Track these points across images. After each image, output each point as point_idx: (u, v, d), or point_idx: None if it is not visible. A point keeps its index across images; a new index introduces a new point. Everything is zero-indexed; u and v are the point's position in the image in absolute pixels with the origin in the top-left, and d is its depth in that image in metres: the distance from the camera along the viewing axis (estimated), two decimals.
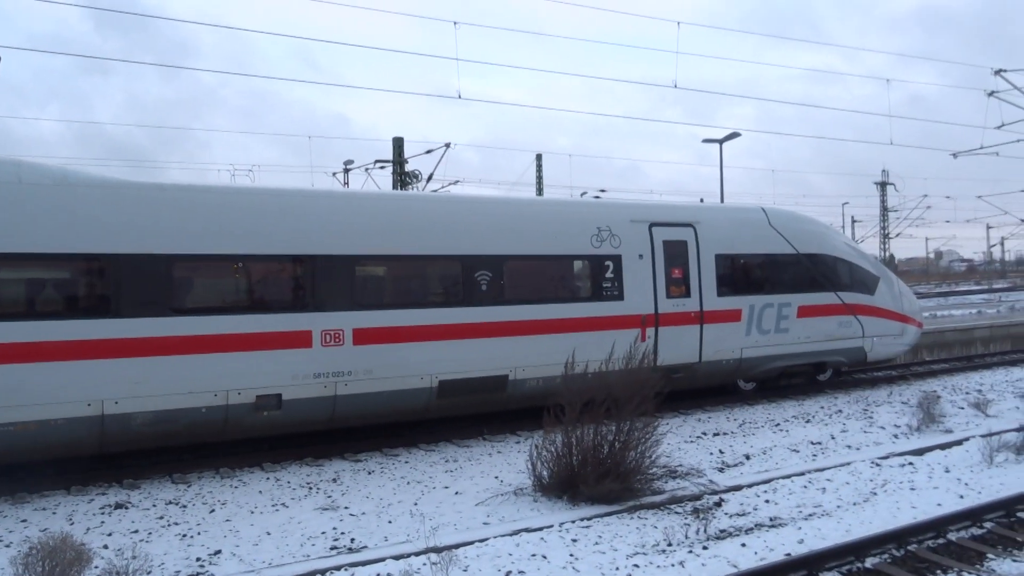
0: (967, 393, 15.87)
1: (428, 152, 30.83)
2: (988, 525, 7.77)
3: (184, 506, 9.05)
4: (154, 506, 9.06)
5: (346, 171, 37.17)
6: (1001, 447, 10.58)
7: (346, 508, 8.85)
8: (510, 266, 12.55)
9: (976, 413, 13.49)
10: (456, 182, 32.94)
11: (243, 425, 10.55)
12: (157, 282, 9.92)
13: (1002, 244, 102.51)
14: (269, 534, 8.02)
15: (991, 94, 20.52)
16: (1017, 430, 11.34)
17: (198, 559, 7.34)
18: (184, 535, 8.02)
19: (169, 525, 8.36)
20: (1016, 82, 20.87)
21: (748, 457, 10.92)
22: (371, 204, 11.88)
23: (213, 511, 8.85)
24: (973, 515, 7.81)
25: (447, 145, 29.35)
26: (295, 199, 11.23)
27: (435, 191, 30.41)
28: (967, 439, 11.19)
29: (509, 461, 10.88)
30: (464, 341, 11.93)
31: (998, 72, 20.30)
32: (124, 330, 9.68)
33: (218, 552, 7.51)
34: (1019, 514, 8.09)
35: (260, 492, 9.60)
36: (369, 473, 10.47)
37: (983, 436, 10.97)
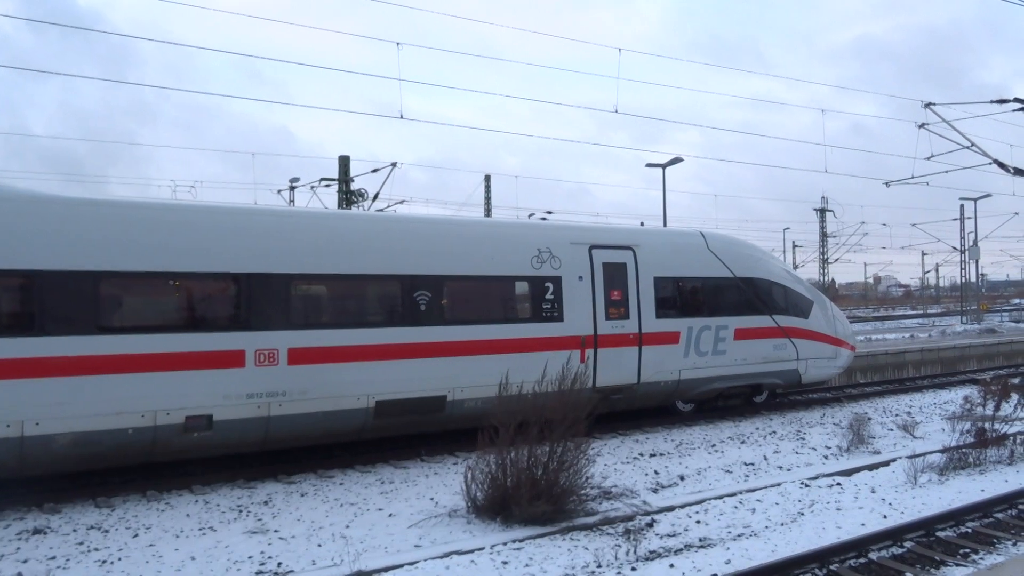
0: (897, 415, 16.29)
1: (375, 171, 30.72)
2: (908, 545, 7.96)
3: (106, 531, 8.77)
4: (74, 531, 8.77)
5: (291, 189, 36.80)
6: (925, 468, 10.88)
7: (276, 531, 8.68)
8: (450, 286, 12.53)
9: (904, 435, 13.85)
10: (403, 201, 32.85)
11: (172, 447, 10.29)
12: (83, 299, 9.66)
13: (936, 271, 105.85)
14: (194, 559, 7.82)
15: (921, 126, 21.23)
16: (941, 451, 11.68)
17: None
18: (104, 561, 7.77)
19: (89, 551, 8.09)
20: (945, 115, 21.72)
21: (683, 478, 11.02)
22: (308, 222, 11.77)
23: (137, 536, 8.60)
24: (894, 535, 7.99)
25: (393, 164, 29.27)
26: (229, 216, 11.06)
27: (381, 211, 30.27)
28: (894, 460, 11.47)
29: (446, 482, 10.80)
30: (402, 361, 11.84)
31: (928, 105, 21.04)
32: (47, 348, 9.39)
33: None
34: (938, 534, 8.30)
35: (188, 515, 9.36)
36: (302, 495, 10.29)
37: (909, 457, 11.25)
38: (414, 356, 11.94)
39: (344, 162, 31.81)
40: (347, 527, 8.83)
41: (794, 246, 73.65)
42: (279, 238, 11.21)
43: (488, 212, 46.41)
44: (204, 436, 10.37)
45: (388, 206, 32.83)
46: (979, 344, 30.05)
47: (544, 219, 32.50)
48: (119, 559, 7.83)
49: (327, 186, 32.09)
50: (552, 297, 13.42)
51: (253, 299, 10.80)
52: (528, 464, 8.94)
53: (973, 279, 55.37)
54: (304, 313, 11.34)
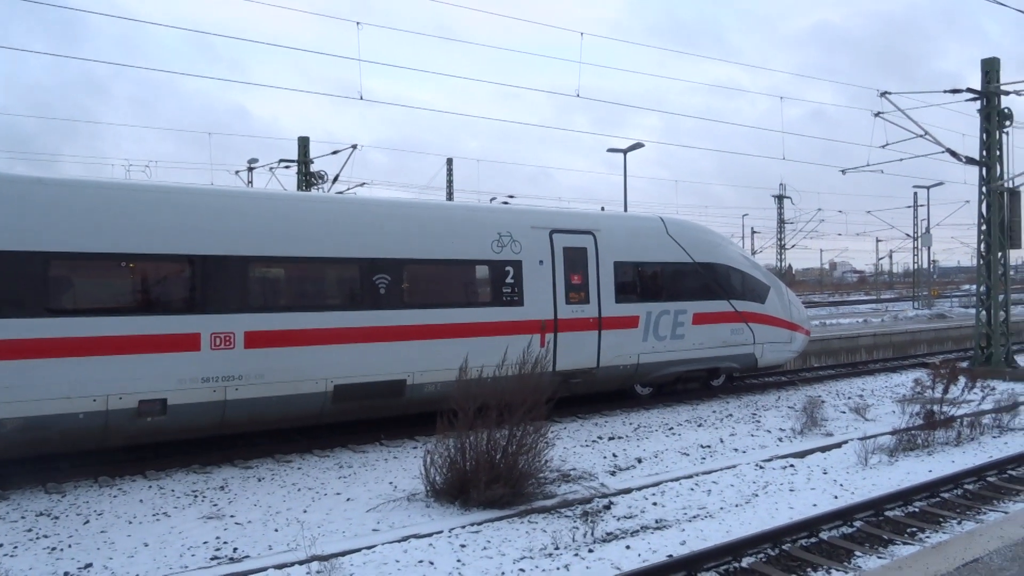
0: (849, 398, 16.64)
1: (335, 153, 30.34)
2: (858, 524, 8.14)
3: (56, 517, 8.60)
4: (23, 518, 8.59)
5: (250, 170, 36.22)
6: (876, 449, 11.13)
7: (232, 517, 8.59)
8: (410, 270, 12.46)
9: (856, 417, 14.14)
10: (363, 184, 32.51)
11: (125, 432, 10.12)
12: (31, 281, 9.42)
13: (890, 257, 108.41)
14: (147, 545, 7.71)
15: (877, 115, 21.51)
16: (891, 434, 11.96)
17: (66, 573, 6.98)
18: (53, 548, 7.62)
19: (38, 538, 7.93)
20: (900, 104, 22.04)
21: (640, 460, 11.13)
22: (266, 204, 11.60)
23: (88, 522, 8.44)
24: (845, 515, 8.16)
25: (354, 147, 28.93)
26: (185, 197, 10.86)
27: (341, 193, 29.98)
28: (845, 442, 11.72)
29: (405, 467, 10.78)
30: (361, 345, 11.77)
31: (883, 94, 21.33)
32: None
33: (88, 566, 7.16)
34: (887, 513, 8.50)
35: (141, 501, 9.22)
36: (259, 480, 10.19)
37: (860, 439, 11.50)
38: (373, 340, 11.87)
39: (303, 143, 31.39)
40: (304, 512, 8.77)
41: (752, 232, 74.66)
42: (236, 220, 11.03)
43: (450, 196, 46.19)
44: (158, 421, 10.21)
45: (348, 188, 32.52)
46: (930, 329, 30.76)
47: (505, 203, 32.46)
48: (69, 546, 7.68)
49: (286, 167, 31.66)
50: (512, 281, 13.42)
51: (209, 282, 10.63)
52: (487, 448, 8.95)
53: (925, 266, 56.65)
54: (261, 296, 11.20)
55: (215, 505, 9.05)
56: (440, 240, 12.83)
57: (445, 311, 12.64)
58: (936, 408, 12.30)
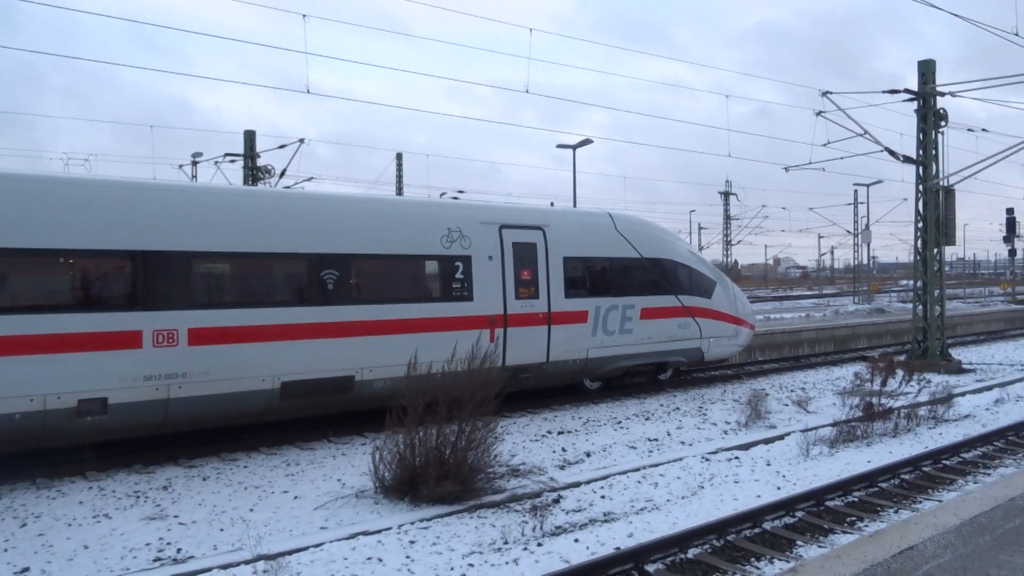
0: (792, 391, 16.99)
1: (281, 147, 29.96)
2: (800, 514, 8.32)
3: None
4: None
5: (194, 164, 35.51)
6: (817, 441, 11.39)
7: (175, 517, 8.43)
8: (359, 265, 12.37)
9: (799, 410, 14.45)
10: (311, 179, 32.11)
11: (64, 432, 9.85)
12: None
13: (832, 253, 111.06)
14: (87, 548, 7.52)
15: (819, 114, 21.97)
16: (832, 425, 12.25)
17: None
18: None
19: None
20: (841, 103, 22.53)
21: (589, 454, 11.22)
22: (210, 199, 11.38)
23: (25, 525, 8.20)
24: (787, 505, 8.35)
25: (301, 141, 28.59)
26: (126, 191, 10.59)
27: (288, 188, 29.56)
28: (788, 434, 11.97)
29: (353, 463, 10.70)
30: (309, 341, 11.64)
31: (825, 94, 21.79)
32: None
33: (26, 570, 6.96)
34: (827, 503, 8.71)
35: (81, 503, 8.99)
36: (204, 479, 10.02)
37: (802, 431, 11.75)
38: (321, 336, 11.75)
39: (249, 137, 30.90)
40: (251, 511, 8.64)
41: (700, 228, 75.78)
42: (179, 214, 10.80)
43: (400, 191, 45.91)
44: (98, 420, 9.96)
45: (296, 183, 32.07)
46: (869, 323, 31.58)
47: (455, 198, 32.42)
48: (4, 550, 7.45)
49: (232, 162, 31.13)
50: (462, 276, 13.41)
51: (151, 278, 10.39)
52: (436, 443, 8.94)
53: (865, 261, 58.05)
54: (206, 292, 11.00)
55: (158, 505, 8.87)
56: (389, 235, 12.75)
57: (394, 306, 12.57)
58: (875, 400, 12.63)
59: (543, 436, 12.50)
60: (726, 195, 59.03)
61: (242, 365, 10.98)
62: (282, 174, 29.89)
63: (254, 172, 30.31)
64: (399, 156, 46.96)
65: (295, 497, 9.14)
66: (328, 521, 8.23)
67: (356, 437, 12.47)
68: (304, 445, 11.93)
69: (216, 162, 31.52)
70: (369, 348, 12.18)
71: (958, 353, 23.48)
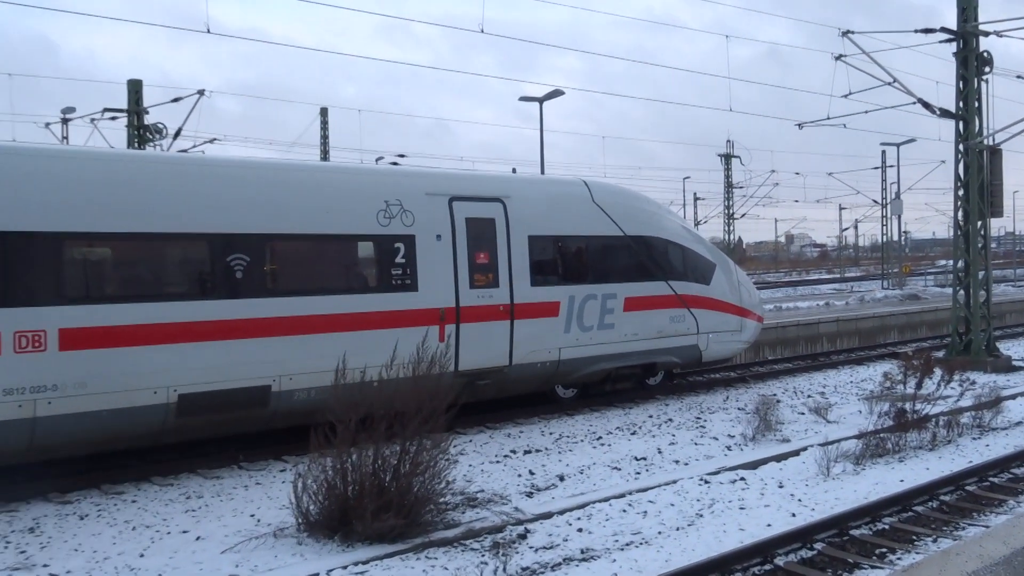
0: (809, 396, 17.25)
1: (176, 100, 29.58)
2: (819, 546, 8.46)
3: None
4: None
5: (65, 122, 34.91)
6: (839, 456, 11.58)
7: (45, 566, 8.31)
8: (275, 248, 12.30)
9: (816, 419, 14.68)
10: (214, 140, 31.88)
11: None
12: None
13: (855, 228, 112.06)
14: None
15: (838, 58, 22.20)
16: (857, 437, 12.46)
17: None
18: None
19: None
20: (865, 46, 22.81)
21: (562, 478, 11.28)
22: (85, 167, 11.17)
23: None
24: (804, 535, 8.47)
25: (200, 92, 28.25)
26: None
27: (185, 151, 29.26)
28: (804, 449, 12.14)
29: (271, 494, 10.65)
30: (213, 343, 11.54)
31: (846, 34, 22.02)
32: None
33: None
34: (852, 532, 8.87)
35: None
36: (82, 518, 9.88)
37: (821, 445, 11.94)
38: (228, 336, 11.66)
39: (135, 88, 30.38)
40: (141, 556, 8.56)
41: (695, 199, 76.27)
42: (46, 187, 10.59)
43: (325, 155, 45.60)
44: None
45: (195, 146, 31.73)
46: (901, 313, 32.14)
47: (395, 164, 32.23)
48: None
49: (113, 119, 30.66)
50: (404, 261, 13.37)
51: (9, 267, 10.19)
52: (374, 468, 8.92)
53: (895, 237, 59.05)
54: (81, 284, 10.83)
55: (23, 552, 8.73)
56: (313, 210, 12.67)
57: (320, 299, 12.51)
58: (908, 406, 12.87)
59: (506, 456, 12.53)
60: (727, 158, 59.50)
61: (128, 374, 10.84)
62: (177, 134, 29.54)
63: (141, 132, 29.85)
64: (324, 112, 46.59)
65: (197, 538, 9.06)
66: (239, 567, 8.17)
67: (274, 462, 12.40)
68: (208, 473, 11.82)
69: (93, 120, 31.02)
70: (289, 351, 12.10)
71: (1007, 347, 24.01)
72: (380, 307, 13.04)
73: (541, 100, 32.75)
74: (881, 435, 12.31)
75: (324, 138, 46.38)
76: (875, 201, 59.01)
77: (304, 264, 12.77)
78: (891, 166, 54.81)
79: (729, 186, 60.17)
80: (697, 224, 67.40)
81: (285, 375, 12.06)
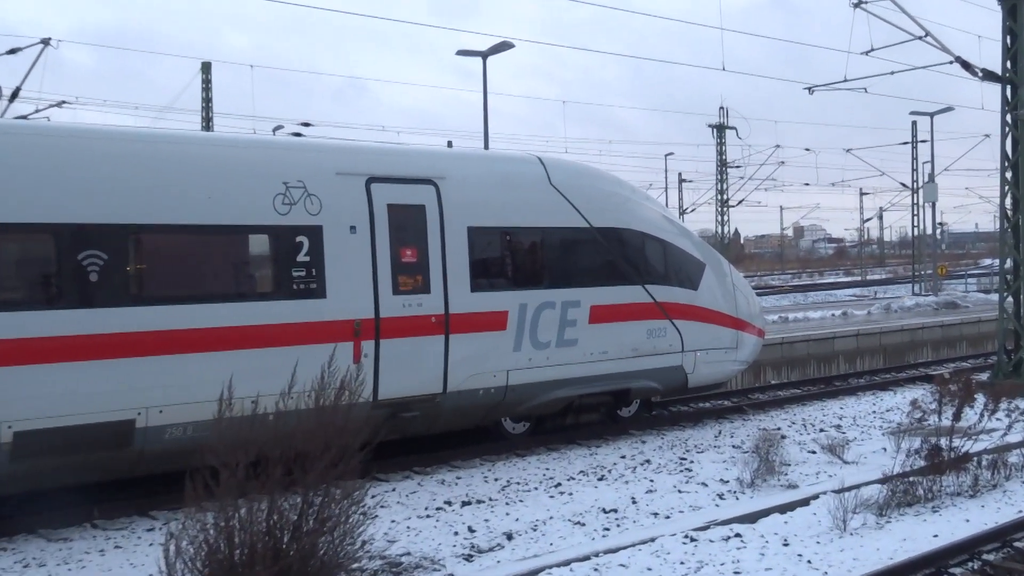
0: (821, 430, 17.45)
1: (12, 52, 29.21)
2: None
3: None
4: None
5: None
6: (859, 506, 11.68)
7: None
8: (140, 242, 12.24)
9: (831, 459, 14.82)
10: (62, 103, 31.43)
11: None
12: None
13: (880, 218, 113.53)
14: None
15: (857, 5, 22.45)
16: (880, 481, 12.58)
17: None
18: None
19: None
20: None
21: (511, 536, 11.30)
22: None
23: None
24: None
25: (45, 42, 27.91)
26: None
27: (24, 118, 28.87)
28: (816, 497, 12.24)
29: (134, 560, 10.56)
30: (59, 366, 11.43)
31: None
32: None
33: None
34: None
35: None
36: None
37: (836, 492, 12.02)
38: (80, 357, 11.56)
39: None
40: None
41: (680, 181, 77.00)
42: None
43: (208, 123, 45.23)
44: None
45: (37, 111, 31.33)
46: (935, 325, 32.62)
47: (297, 135, 32.10)
48: None
49: None
50: (308, 259, 13.28)
51: None
52: (269, 525, 8.83)
53: (930, 230, 59.69)
54: None
55: None
56: (190, 194, 12.60)
57: (198, 308, 12.44)
58: (944, 442, 13.01)
59: (439, 509, 12.51)
60: (719, 130, 60.04)
61: None
62: (14, 96, 29.19)
63: None
64: (206, 67, 46.20)
65: None
66: None
67: (139, 518, 12.28)
68: (53, 534, 11.68)
69: None
70: (159, 376, 12.01)
71: None
72: (277, 318, 12.95)
73: (485, 54, 32.75)
74: (910, 479, 12.43)
75: (206, 101, 45.98)
76: (904, 185, 59.94)
77: (179, 264, 12.71)
78: (923, 141, 55.63)
79: (722, 165, 60.74)
80: (683, 213, 68.00)
81: (154, 407, 11.94)
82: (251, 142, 15.52)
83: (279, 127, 43.40)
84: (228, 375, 10.46)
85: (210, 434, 9.11)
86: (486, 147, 32.23)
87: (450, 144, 34.96)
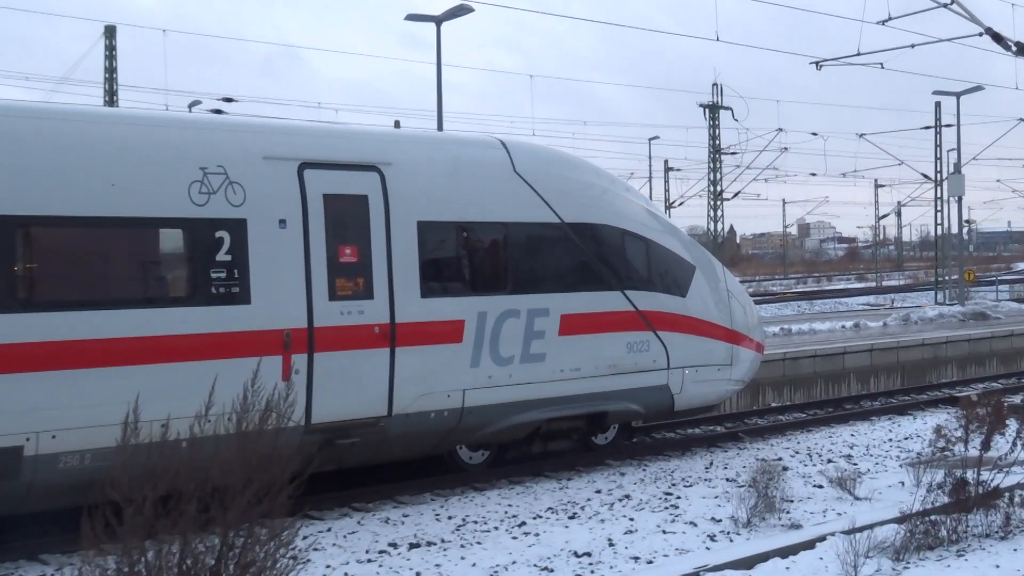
0: (829, 461, 17.52)
1: None
2: None
3: None
4: None
5: None
6: (873, 550, 11.74)
7: None
8: (29, 237, 12.25)
9: (840, 494, 14.88)
10: None
11: None
12: None
13: (898, 214, 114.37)
14: None
15: None
16: (897, 521, 12.66)
17: None
18: None
19: None
20: None
21: None
22: None
23: None
24: None
25: None
26: None
27: None
28: (822, 539, 12.30)
29: None
30: None
31: None
32: None
33: None
34: None
35: None
36: None
37: (846, 533, 12.07)
38: None
39: None
40: None
41: (667, 169, 77.33)
42: None
43: (112, 96, 45.02)
44: None
45: None
46: (961, 339, 32.80)
47: (217, 112, 32.03)
48: None
49: None
50: (229, 258, 13.23)
51: None
52: (181, 571, 8.79)
53: (955, 228, 59.97)
54: None
55: None
56: (89, 181, 12.57)
57: (100, 316, 12.39)
58: (971, 475, 13.08)
59: (383, 553, 12.52)
60: (712, 110, 60.32)
61: None
62: None
63: None
64: (110, 31, 46.01)
65: None
66: None
67: (27, 563, 12.20)
68: None
69: None
70: (51, 395, 11.96)
71: None
72: (193, 328, 12.89)
73: (439, 20, 32.75)
74: (932, 517, 12.49)
75: (110, 71, 45.81)
76: (926, 176, 60.46)
77: (75, 263, 12.67)
78: (948, 126, 55.99)
79: (716, 152, 61.04)
80: (669, 207, 68.27)
81: (45, 431, 11.87)
82: (163, 120, 15.44)
83: (196, 103, 43.29)
84: (134, 394, 10.42)
85: (112, 464, 9.06)
86: (440, 128, 32.24)
87: (398, 124, 35.05)
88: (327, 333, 13.92)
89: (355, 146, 14.90)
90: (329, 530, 13.38)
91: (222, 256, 13.22)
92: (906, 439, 19.55)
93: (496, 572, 11.70)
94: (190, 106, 42.66)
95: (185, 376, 12.35)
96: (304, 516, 9.47)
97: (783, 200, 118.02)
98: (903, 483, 15.29)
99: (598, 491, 15.57)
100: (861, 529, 12.21)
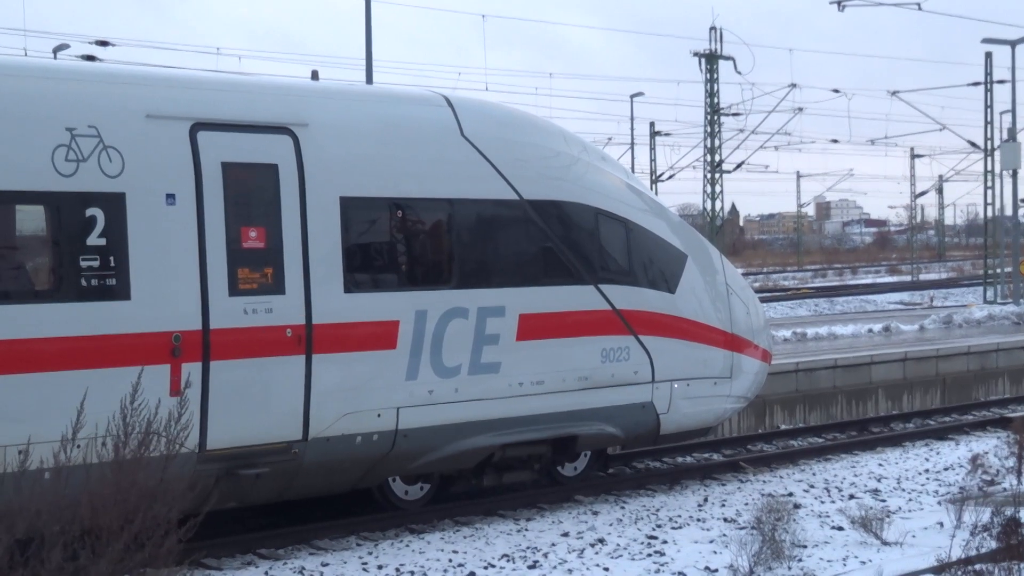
0: (851, 496, 17.59)
1: None
2: None
3: None
4: None
5: None
6: None
7: None
8: None
9: (864, 537, 14.97)
10: None
11: None
12: None
13: (940, 192, 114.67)
14: None
15: None
16: (935, 570, 12.76)
17: None
18: None
19: None
20: None
21: None
22: None
23: None
24: None
25: None
26: None
27: None
28: None
29: None
30: None
31: None
32: None
33: None
34: None
35: None
36: None
37: None
38: None
39: None
40: None
41: (653, 134, 77.47)
42: None
43: None
44: None
45: None
46: (1014, 346, 32.95)
47: (89, 59, 31.95)
48: None
49: None
50: (104, 243, 13.19)
51: None
52: None
53: (1009, 211, 60.21)
54: None
55: None
56: None
57: None
58: (1021, 513, 13.21)
59: None
60: (710, 60, 60.46)
61: None
62: None
63: None
64: None
65: None
66: None
67: None
68: None
69: None
70: None
71: None
72: (58, 330, 12.84)
73: None
74: (977, 566, 12.61)
75: None
76: (973, 144, 60.64)
77: None
78: (1002, 82, 56.15)
79: (714, 113, 61.20)
80: (656, 181, 68.40)
81: None
82: (19, 68, 15.34)
83: (63, 46, 43.14)
84: None
85: None
86: (369, 81, 32.22)
87: (316, 76, 34.82)
88: (226, 336, 13.88)
89: (262, 103, 14.86)
90: None
91: (94, 240, 13.14)
92: (946, 470, 19.62)
93: None
94: (55, 51, 42.54)
95: (48, 390, 12.31)
96: (197, 565, 9.46)
97: (797, 173, 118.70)
98: (942, 524, 15.38)
99: (565, 534, 15.57)
100: None
